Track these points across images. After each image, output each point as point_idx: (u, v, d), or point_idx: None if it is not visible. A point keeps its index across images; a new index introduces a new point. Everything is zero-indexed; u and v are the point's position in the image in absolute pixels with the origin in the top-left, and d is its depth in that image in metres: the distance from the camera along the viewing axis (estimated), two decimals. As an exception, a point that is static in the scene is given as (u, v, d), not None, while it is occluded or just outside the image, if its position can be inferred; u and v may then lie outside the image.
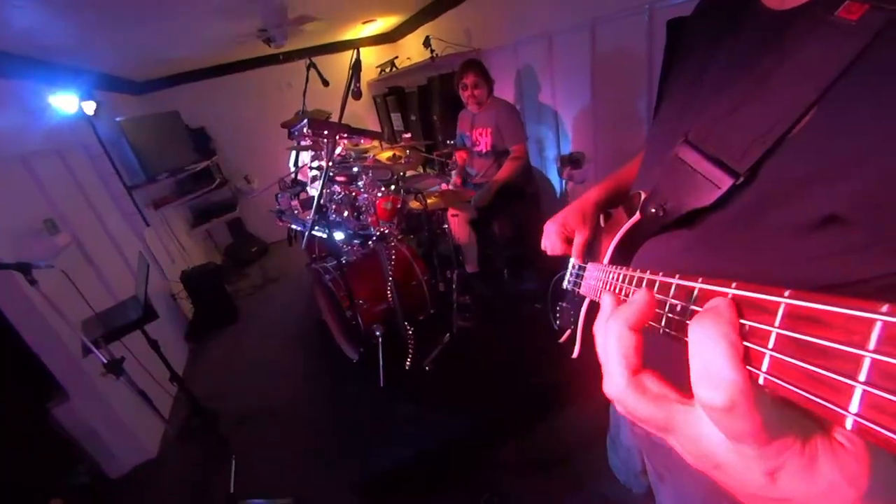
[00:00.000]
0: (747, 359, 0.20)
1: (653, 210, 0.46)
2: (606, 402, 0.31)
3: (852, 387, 0.15)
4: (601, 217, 0.75)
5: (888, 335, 0.14)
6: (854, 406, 0.15)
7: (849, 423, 0.15)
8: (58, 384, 1.83)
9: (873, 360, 0.15)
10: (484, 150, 2.66)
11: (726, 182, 0.36)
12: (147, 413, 1.72)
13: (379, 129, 5.29)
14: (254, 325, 3.39)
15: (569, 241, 0.75)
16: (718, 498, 0.54)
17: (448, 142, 2.62)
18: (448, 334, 2.31)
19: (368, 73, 4.71)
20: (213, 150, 4.48)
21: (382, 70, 4.64)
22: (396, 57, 4.50)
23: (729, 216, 0.37)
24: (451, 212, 2.46)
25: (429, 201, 2.16)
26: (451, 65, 3.48)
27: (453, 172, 2.47)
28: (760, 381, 0.20)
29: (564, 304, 0.78)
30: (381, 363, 2.14)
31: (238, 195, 4.72)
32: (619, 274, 0.44)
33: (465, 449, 1.83)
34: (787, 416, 0.21)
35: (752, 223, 0.35)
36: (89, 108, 2.65)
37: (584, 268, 0.65)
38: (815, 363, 0.17)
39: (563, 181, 3.10)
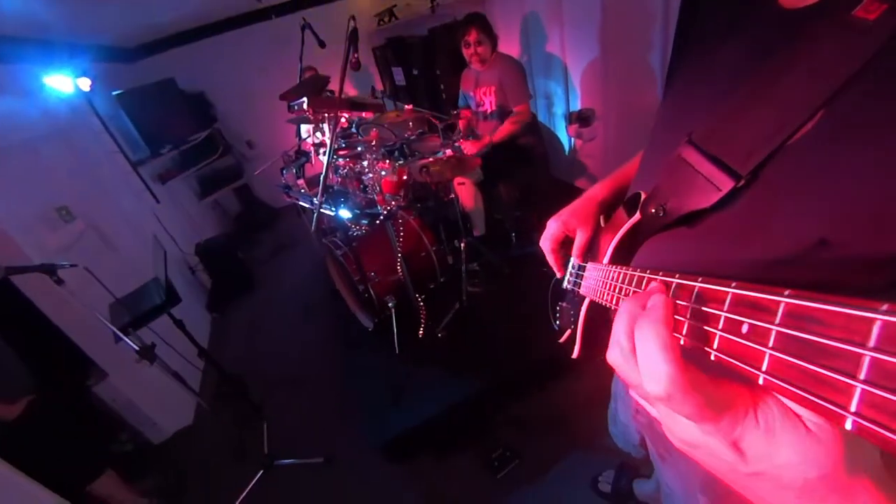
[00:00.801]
0: (747, 359, 0.21)
1: (652, 210, 0.46)
2: (610, 369, 0.34)
3: (852, 386, 0.15)
4: (602, 217, 0.75)
5: (888, 334, 0.14)
6: (854, 405, 0.15)
7: (849, 423, 0.16)
8: (97, 365, 1.96)
9: (873, 358, 0.15)
10: (489, 111, 2.57)
11: (727, 184, 0.36)
12: (180, 387, 1.85)
13: (379, 86, 5.08)
14: (271, 293, 3.50)
15: (569, 241, 0.75)
16: (717, 482, 0.58)
17: (452, 112, 2.52)
18: (458, 301, 2.37)
19: (366, 25, 4.45)
20: (213, 117, 4.39)
21: (381, 20, 4.38)
22: (395, 5, 4.23)
23: (729, 218, 0.37)
24: (457, 180, 2.43)
25: (434, 169, 2.13)
26: (454, 13, 3.28)
27: (464, 138, 2.41)
28: (760, 381, 0.20)
29: (564, 304, 0.78)
30: (395, 332, 2.23)
31: (243, 161, 4.67)
32: (619, 274, 0.45)
33: (478, 410, 1.94)
34: (729, 391, 0.24)
35: (753, 226, 0.35)
36: (84, 84, 2.59)
37: (584, 268, 0.66)
38: (814, 362, 0.17)
39: (572, 139, 3.01)
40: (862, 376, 0.15)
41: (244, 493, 1.82)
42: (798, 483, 0.22)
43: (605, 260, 0.57)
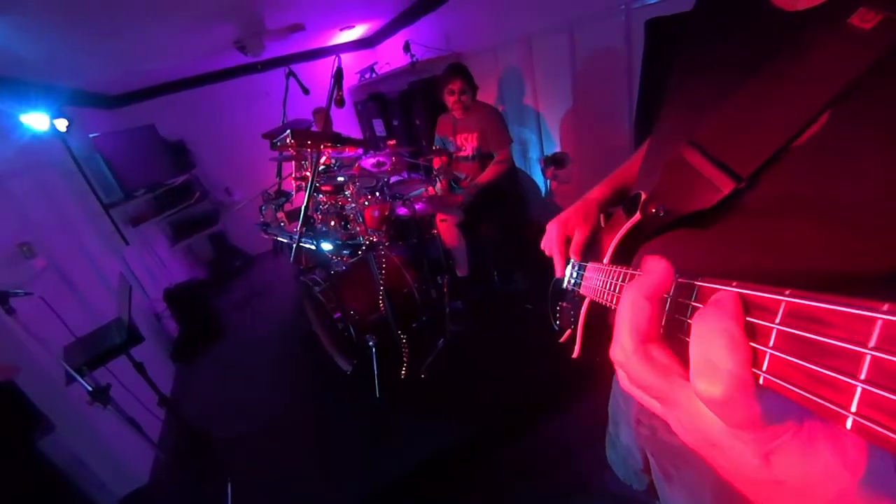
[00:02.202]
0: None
1: (653, 210, 0.46)
2: (605, 399, 0.31)
3: (853, 385, 0.15)
4: (601, 217, 0.76)
5: (889, 334, 0.14)
6: (854, 405, 0.15)
7: (849, 423, 0.16)
8: (43, 415, 1.76)
9: (874, 358, 0.15)
10: (469, 155, 2.66)
11: (728, 186, 0.36)
12: (137, 438, 1.66)
13: (361, 135, 5.27)
14: (242, 341, 3.32)
15: (569, 241, 0.75)
16: (729, 495, 0.54)
17: (434, 147, 2.61)
18: (442, 339, 2.30)
19: (348, 80, 4.68)
20: (191, 163, 4.39)
21: (362, 76, 4.62)
22: (376, 62, 4.49)
23: (730, 219, 0.37)
24: (439, 217, 2.46)
25: (416, 207, 2.15)
26: (432, 69, 3.49)
27: (439, 178, 2.47)
28: (760, 381, 0.20)
29: (564, 304, 0.77)
30: (375, 373, 2.12)
31: (220, 208, 4.62)
32: (619, 273, 0.44)
33: (466, 453, 1.82)
34: (787, 403, 0.20)
35: (754, 228, 0.35)
36: (61, 125, 2.56)
37: (585, 267, 0.65)
38: (815, 362, 0.17)
39: (548, 181, 3.13)
40: (863, 376, 0.15)
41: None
42: (822, 499, 0.21)
43: (606, 260, 0.57)
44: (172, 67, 3.65)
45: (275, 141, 2.09)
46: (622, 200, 0.60)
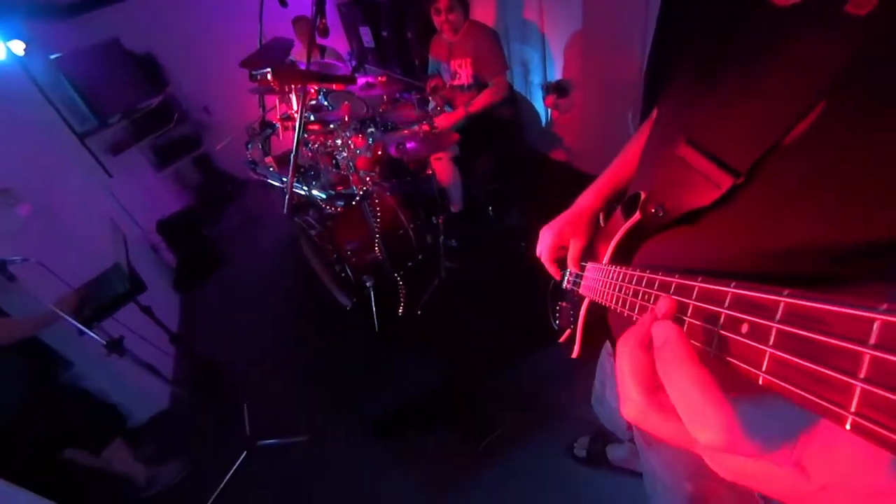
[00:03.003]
0: (747, 359, 0.21)
1: (652, 210, 0.46)
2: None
3: (853, 385, 0.15)
4: (601, 216, 0.76)
5: (888, 333, 0.14)
6: (854, 405, 0.15)
7: (848, 424, 0.16)
8: (59, 354, 1.87)
9: (873, 357, 0.15)
10: (466, 83, 2.47)
11: (726, 182, 0.36)
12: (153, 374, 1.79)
13: (346, 45, 4.81)
14: (242, 270, 3.38)
15: (563, 249, 0.76)
16: (704, 471, 0.62)
17: (428, 79, 2.41)
18: (437, 278, 2.37)
19: (330, -22, 4.13)
20: (164, 81, 4.04)
21: (345, -25, 4.08)
22: (360, -42, 3.93)
23: (730, 216, 0.38)
24: (434, 155, 2.37)
25: (408, 146, 2.06)
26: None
27: (435, 111, 2.33)
28: (760, 381, 0.20)
29: (564, 304, 0.80)
30: (374, 311, 2.22)
31: (201, 129, 4.37)
32: (619, 273, 0.45)
33: (458, 385, 1.99)
34: (784, 420, 0.22)
35: (754, 224, 0.35)
36: (18, 48, 2.30)
37: (584, 267, 0.67)
38: (815, 361, 0.17)
39: (549, 109, 2.96)
40: (862, 375, 0.15)
41: (228, 476, 1.82)
42: (866, 488, 0.21)
43: (605, 260, 0.57)
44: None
45: (254, 73, 1.92)
46: (617, 202, 0.60)
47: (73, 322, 1.42)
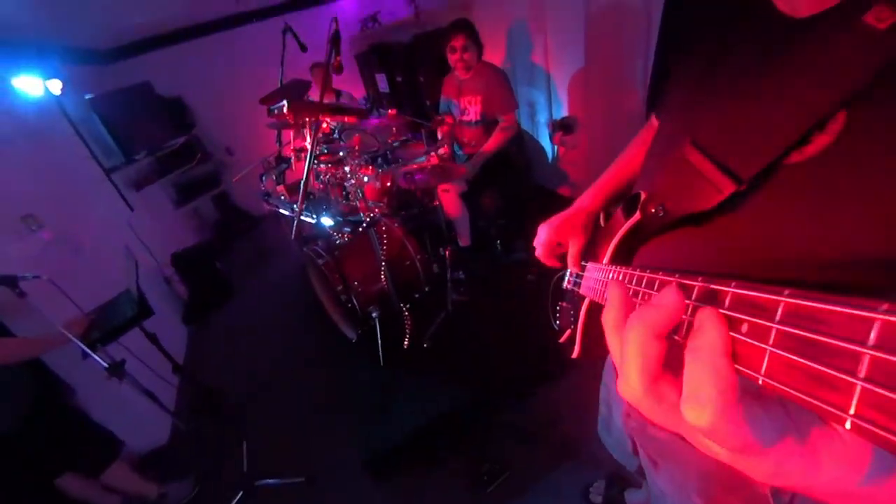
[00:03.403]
0: (746, 360, 0.20)
1: (653, 210, 0.46)
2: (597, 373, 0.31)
3: (852, 385, 0.15)
4: (602, 216, 0.76)
5: (888, 333, 0.14)
6: (853, 406, 0.15)
7: (848, 424, 0.16)
8: (61, 380, 1.85)
9: (872, 357, 0.15)
10: (474, 120, 2.56)
11: (728, 188, 0.36)
12: (154, 405, 1.75)
13: (363, 91, 5.06)
14: (250, 303, 3.40)
15: (560, 246, 0.77)
16: (712, 483, 0.57)
17: (436, 117, 2.50)
18: (444, 310, 2.34)
19: (350, 28, 4.44)
20: (191, 123, 4.28)
21: (364, 25, 4.37)
22: (379, 11, 4.22)
23: (731, 221, 0.37)
24: (441, 187, 2.41)
25: (417, 178, 2.10)
26: (437, 22, 3.28)
27: (443, 144, 2.39)
28: (759, 381, 0.20)
29: (564, 304, 0.79)
30: (379, 343, 2.18)
31: (221, 169, 4.57)
32: (619, 273, 0.44)
33: (465, 421, 1.90)
34: (782, 421, 0.21)
35: (753, 230, 0.35)
36: (55, 87, 2.48)
37: (585, 267, 0.66)
38: (814, 361, 0.17)
39: (555, 147, 3.03)
40: (862, 375, 0.15)
41: (222, 516, 1.73)
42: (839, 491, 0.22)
43: (606, 260, 0.57)
44: (163, 17, 3.46)
45: (272, 108, 2.02)
46: (616, 203, 0.60)
47: (79, 343, 1.42)
